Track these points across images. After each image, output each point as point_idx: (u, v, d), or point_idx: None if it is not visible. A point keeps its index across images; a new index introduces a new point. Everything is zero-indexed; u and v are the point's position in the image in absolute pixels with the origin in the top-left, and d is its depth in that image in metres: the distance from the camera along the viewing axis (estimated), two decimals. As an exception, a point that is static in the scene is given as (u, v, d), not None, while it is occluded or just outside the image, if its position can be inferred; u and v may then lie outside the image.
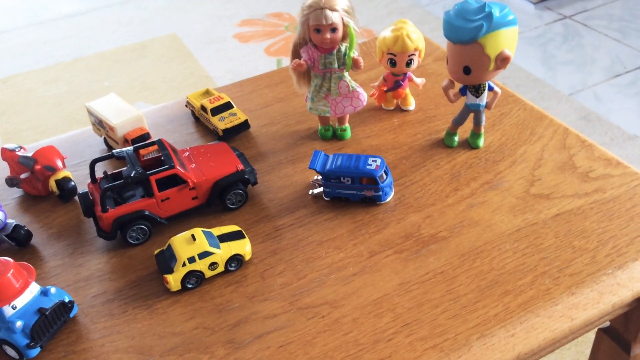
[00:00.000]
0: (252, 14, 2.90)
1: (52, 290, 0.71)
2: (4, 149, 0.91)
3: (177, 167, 0.80)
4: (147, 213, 0.80)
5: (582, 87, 2.22)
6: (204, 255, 0.74)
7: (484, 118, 0.91)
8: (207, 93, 1.05)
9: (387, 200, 0.85)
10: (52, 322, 0.69)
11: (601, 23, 2.60)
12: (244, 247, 0.76)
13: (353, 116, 1.00)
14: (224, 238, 0.77)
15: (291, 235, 0.81)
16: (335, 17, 0.85)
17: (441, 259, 0.76)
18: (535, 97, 2.17)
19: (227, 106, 1.00)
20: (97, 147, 1.00)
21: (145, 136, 0.94)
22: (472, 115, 0.91)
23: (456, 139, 0.93)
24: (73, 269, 0.79)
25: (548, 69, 2.34)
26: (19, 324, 0.67)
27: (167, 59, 2.58)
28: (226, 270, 0.76)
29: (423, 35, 0.99)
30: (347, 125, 0.97)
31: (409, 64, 0.96)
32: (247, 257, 0.77)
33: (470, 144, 0.93)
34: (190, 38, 2.73)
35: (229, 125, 0.97)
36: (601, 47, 2.44)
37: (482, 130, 0.92)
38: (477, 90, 0.88)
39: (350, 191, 0.84)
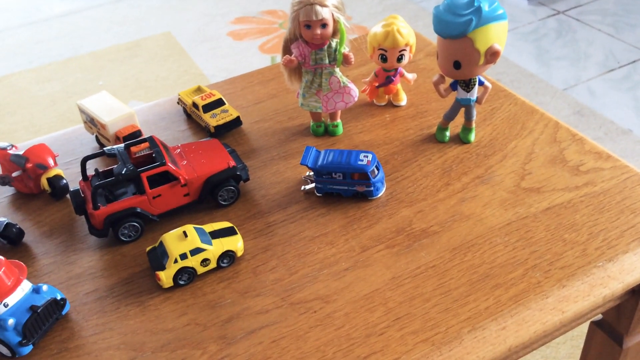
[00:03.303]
0: (245, 11, 2.90)
1: (44, 287, 0.71)
2: (-5, 148, 0.91)
3: (169, 163, 0.81)
4: (138, 210, 0.80)
5: (576, 82, 2.22)
6: (195, 251, 0.74)
7: (474, 113, 0.91)
8: (198, 90, 1.04)
9: (379, 195, 0.85)
10: (44, 319, 0.69)
11: (595, 18, 2.60)
12: (236, 243, 0.77)
13: (345, 112, 1.00)
14: (216, 234, 0.77)
15: (283, 231, 0.81)
16: (325, 13, 0.85)
17: (432, 253, 0.76)
18: (530, 92, 2.18)
19: (219, 103, 1.00)
20: (89, 145, 1.00)
21: (137, 133, 0.94)
22: (463, 110, 0.91)
23: (447, 133, 0.94)
24: (65, 266, 0.79)
25: (542, 64, 2.34)
26: (11, 321, 0.67)
27: (161, 58, 2.58)
28: (218, 267, 0.76)
29: (415, 31, 1.00)
30: (338, 121, 0.97)
31: (400, 59, 0.96)
32: (239, 253, 0.77)
33: (461, 139, 0.93)
34: (184, 36, 2.73)
35: (220, 122, 0.97)
36: (595, 42, 2.44)
37: (473, 125, 0.92)
38: (468, 85, 0.88)
39: (342, 187, 0.84)
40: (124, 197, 0.82)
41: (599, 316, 0.87)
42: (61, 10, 3.05)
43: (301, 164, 0.84)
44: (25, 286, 0.70)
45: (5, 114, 2.32)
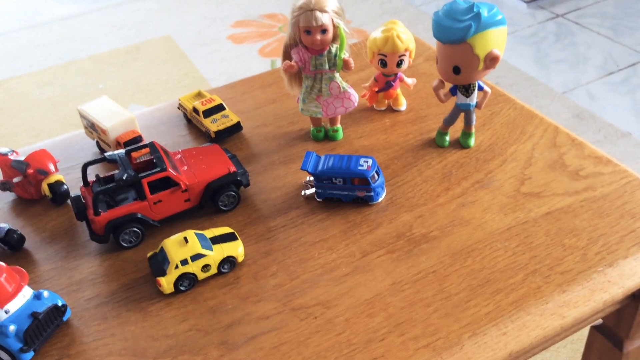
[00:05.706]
0: (245, 15, 2.90)
1: (45, 294, 0.71)
2: (-4, 154, 0.91)
3: (169, 169, 0.81)
4: (139, 216, 0.80)
5: (575, 85, 2.23)
6: (196, 257, 0.74)
7: (474, 117, 0.91)
8: (199, 95, 1.05)
9: (379, 200, 0.85)
10: (46, 325, 0.70)
11: (594, 21, 2.61)
12: (236, 248, 0.77)
13: (345, 117, 1.00)
14: (217, 240, 0.77)
15: (284, 236, 0.81)
16: (325, 19, 0.85)
17: (433, 258, 0.76)
18: (529, 95, 2.18)
19: (219, 108, 1.00)
20: (90, 150, 1.00)
21: (138, 139, 0.94)
22: (462, 114, 0.91)
23: (447, 138, 0.94)
24: (66, 272, 0.79)
25: (541, 67, 2.34)
26: (12, 328, 0.67)
27: (161, 61, 2.58)
28: (219, 272, 0.76)
29: (415, 35, 1.00)
30: (338, 126, 0.97)
31: (399, 64, 0.96)
32: (240, 258, 0.77)
33: (461, 144, 0.94)
34: (184, 40, 2.73)
35: (221, 127, 0.97)
36: (594, 46, 2.45)
37: (473, 129, 0.93)
38: (467, 90, 0.88)
39: (342, 192, 0.84)
40: (124, 203, 0.82)
41: (599, 321, 0.87)
42: (61, 13, 3.05)
43: (301, 169, 0.84)
44: (27, 292, 0.70)
45: (5, 117, 2.32)
